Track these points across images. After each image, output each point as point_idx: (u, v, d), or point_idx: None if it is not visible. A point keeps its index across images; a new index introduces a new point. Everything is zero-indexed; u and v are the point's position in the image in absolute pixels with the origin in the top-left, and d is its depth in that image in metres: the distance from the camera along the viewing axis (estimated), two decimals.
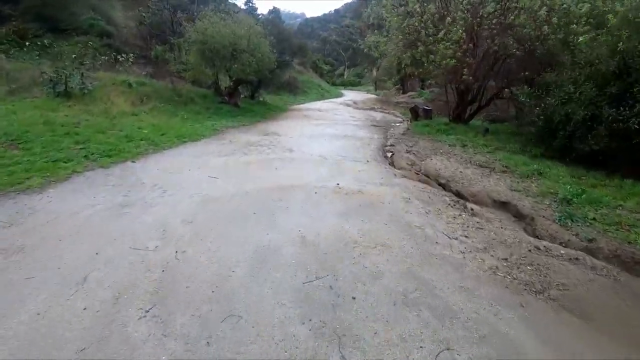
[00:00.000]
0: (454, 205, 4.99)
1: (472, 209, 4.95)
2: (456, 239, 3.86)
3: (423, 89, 24.72)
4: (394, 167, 7.67)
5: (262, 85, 20.07)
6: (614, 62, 6.22)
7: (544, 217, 4.48)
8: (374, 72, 42.69)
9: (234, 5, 30.19)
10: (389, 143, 10.17)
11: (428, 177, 6.80)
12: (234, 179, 5.76)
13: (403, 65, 12.34)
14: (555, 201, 4.98)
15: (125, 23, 19.82)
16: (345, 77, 56.65)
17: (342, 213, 4.44)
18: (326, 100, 27.15)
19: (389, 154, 8.99)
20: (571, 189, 5.14)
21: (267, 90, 22.82)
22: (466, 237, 3.94)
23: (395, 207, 4.74)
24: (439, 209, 4.75)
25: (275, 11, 47.88)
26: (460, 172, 6.62)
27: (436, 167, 7.08)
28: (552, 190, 5.34)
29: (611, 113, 5.99)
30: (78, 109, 10.32)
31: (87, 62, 13.90)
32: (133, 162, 6.53)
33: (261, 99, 20.94)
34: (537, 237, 4.11)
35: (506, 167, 6.76)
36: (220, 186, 5.34)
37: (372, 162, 7.55)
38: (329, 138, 10.26)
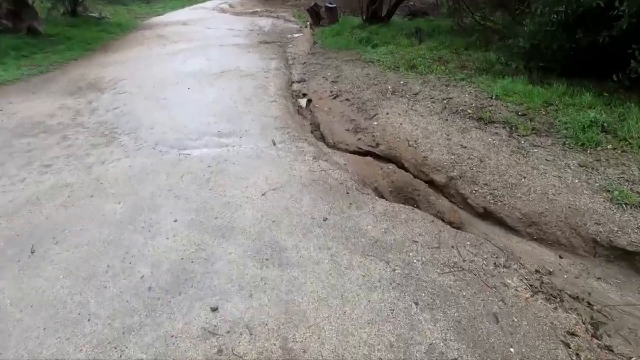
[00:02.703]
0: None
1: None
2: None
3: None
4: (325, 143, 3.75)
5: None
6: None
7: None
8: None
9: None
10: (295, 76, 5.90)
11: (403, 167, 3.12)
12: None
13: None
14: None
15: None
16: None
17: None
18: (194, 7, 19.59)
19: (304, 101, 4.89)
20: None
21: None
22: None
23: None
24: None
25: None
26: (462, 145, 3.06)
27: (406, 134, 3.39)
28: None
29: None
30: None
31: None
32: None
33: (94, 14, 13.48)
34: None
35: (527, 117, 3.38)
36: None
37: (284, 143, 3.49)
38: (196, 82, 5.52)
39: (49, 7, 11.41)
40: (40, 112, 4.58)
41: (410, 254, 2.00)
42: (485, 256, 2.00)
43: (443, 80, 4.59)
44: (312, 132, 4.02)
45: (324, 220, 2.32)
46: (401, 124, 3.57)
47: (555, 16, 3.94)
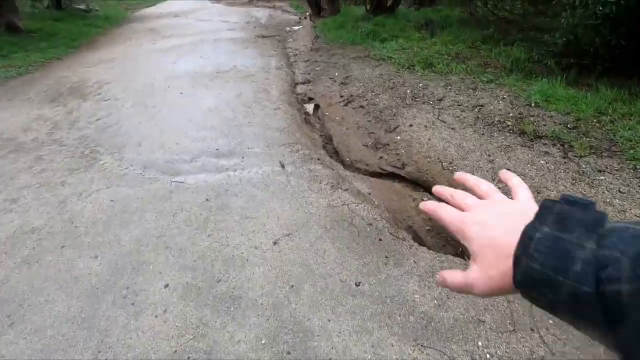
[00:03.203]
0: None
1: None
2: None
3: None
4: (341, 162, 3.17)
5: None
6: None
7: None
8: None
9: None
10: (299, 76, 5.27)
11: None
12: None
13: None
14: None
15: None
16: None
17: None
18: None
19: (310, 107, 4.31)
20: None
21: None
22: None
23: None
24: None
25: None
26: (510, 170, 2.50)
27: (438, 153, 2.84)
28: None
29: None
30: None
31: None
32: None
33: (81, 6, 12.63)
34: None
35: (580, 131, 2.83)
36: None
37: (294, 165, 2.91)
38: (189, 85, 4.89)
39: (31, 0, 10.48)
40: (14, 125, 3.97)
41: (480, 343, 1.48)
42: (578, 344, 1.47)
43: (468, 82, 4.00)
44: (324, 147, 3.44)
45: (356, 285, 1.78)
46: (430, 140, 3.01)
47: (601, 8, 3.35)
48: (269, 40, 7.31)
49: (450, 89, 3.88)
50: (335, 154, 3.35)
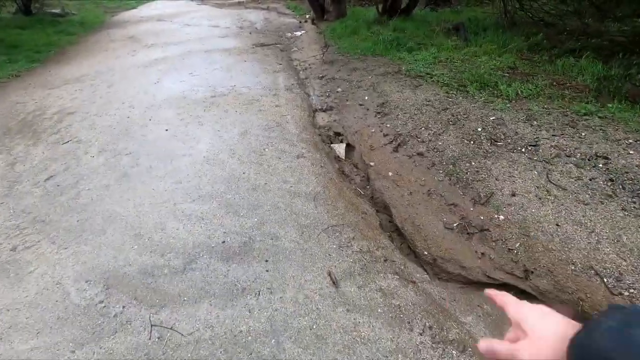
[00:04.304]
0: None
1: None
2: None
3: None
4: (416, 256, 1.98)
5: None
6: None
7: None
8: None
9: None
10: (316, 100, 4.04)
11: None
12: None
13: None
14: None
15: None
16: None
17: None
18: None
19: (341, 149, 3.11)
20: None
21: None
22: None
23: None
24: None
25: None
26: None
27: (583, 253, 1.69)
28: None
29: None
30: None
31: None
32: None
33: (56, 10, 11.13)
34: None
35: None
36: None
37: (353, 278, 1.71)
38: (177, 117, 3.62)
39: None
40: None
41: None
42: None
43: (556, 114, 2.86)
44: (380, 224, 2.25)
45: None
46: (558, 225, 1.86)
47: None
48: (270, 50, 6.03)
49: (537, 125, 2.73)
50: (397, 234, 2.18)
